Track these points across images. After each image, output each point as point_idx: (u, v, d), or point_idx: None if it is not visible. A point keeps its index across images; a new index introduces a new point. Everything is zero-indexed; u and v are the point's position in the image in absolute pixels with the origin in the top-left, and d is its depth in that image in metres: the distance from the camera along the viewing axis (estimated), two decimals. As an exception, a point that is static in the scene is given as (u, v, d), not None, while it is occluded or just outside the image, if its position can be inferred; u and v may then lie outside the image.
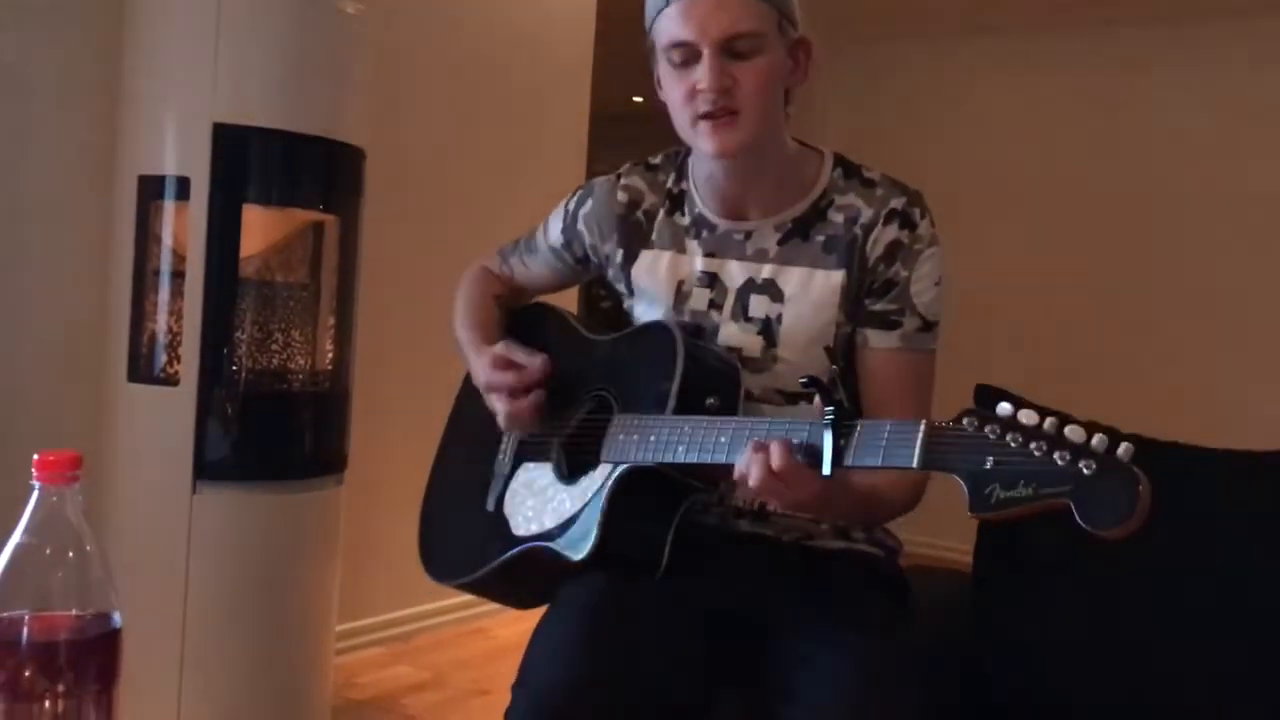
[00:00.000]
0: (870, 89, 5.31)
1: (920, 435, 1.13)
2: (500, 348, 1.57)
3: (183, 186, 2.35)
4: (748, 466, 1.23)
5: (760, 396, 1.48)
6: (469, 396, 1.70)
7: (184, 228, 2.37)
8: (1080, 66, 4.92)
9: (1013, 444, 1.05)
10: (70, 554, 0.88)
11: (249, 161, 2.40)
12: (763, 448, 1.23)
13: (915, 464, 1.12)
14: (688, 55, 1.40)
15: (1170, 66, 4.71)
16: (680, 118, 1.45)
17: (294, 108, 2.41)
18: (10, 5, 2.48)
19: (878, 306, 1.46)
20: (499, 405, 1.55)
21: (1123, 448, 1.00)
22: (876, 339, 1.47)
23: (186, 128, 2.35)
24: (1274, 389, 4.34)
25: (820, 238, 1.48)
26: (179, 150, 2.37)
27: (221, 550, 2.38)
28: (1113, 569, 1.73)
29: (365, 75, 2.57)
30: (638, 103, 7.23)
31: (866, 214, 1.46)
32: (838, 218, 1.47)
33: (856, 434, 1.19)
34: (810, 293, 1.47)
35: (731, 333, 1.50)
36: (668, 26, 1.41)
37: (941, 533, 1.77)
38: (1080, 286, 4.85)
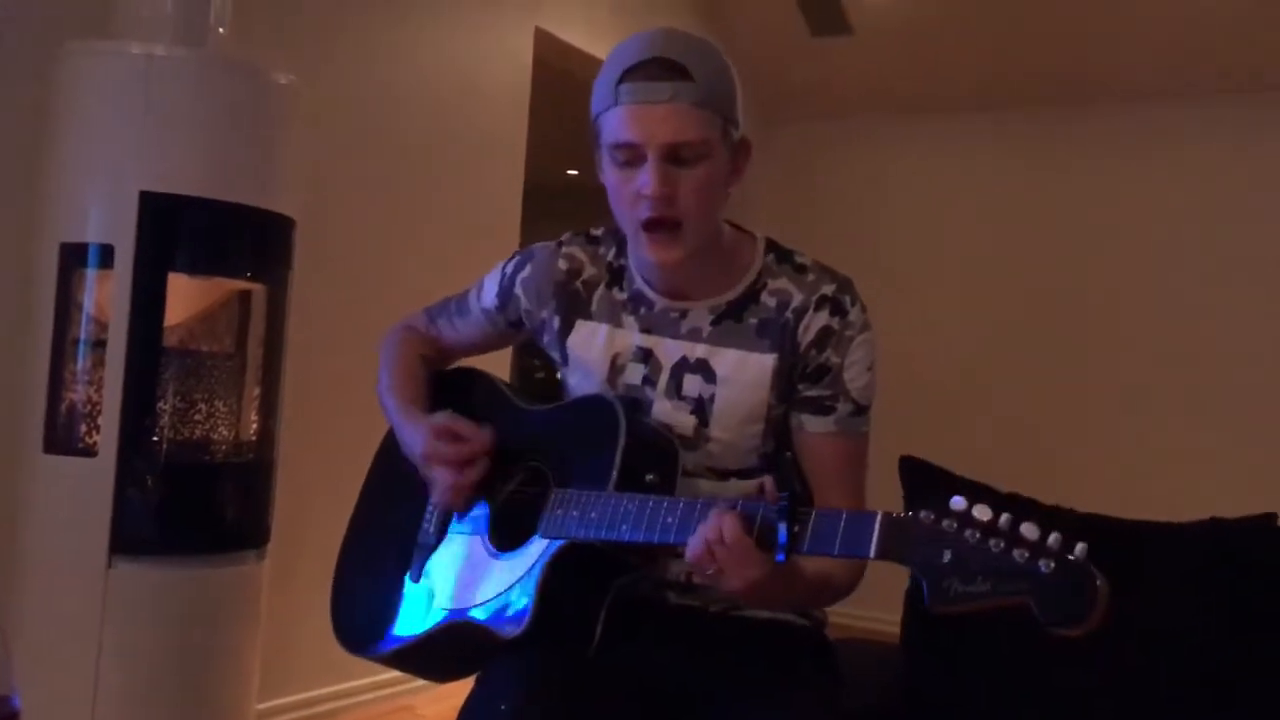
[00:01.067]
0: (798, 168, 5.41)
1: (878, 526, 1.14)
2: (443, 417, 1.54)
3: (106, 254, 2.32)
4: (700, 543, 1.23)
5: (693, 472, 1.48)
6: (388, 460, 1.67)
7: (107, 296, 2.33)
8: (1008, 145, 5.05)
9: (970, 539, 1.06)
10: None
11: (176, 230, 2.37)
12: (717, 524, 1.22)
13: (872, 554, 1.14)
14: (632, 156, 1.40)
15: (1094, 147, 4.86)
16: (622, 218, 1.45)
17: (223, 176, 2.39)
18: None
19: (812, 392, 1.48)
20: (440, 478, 1.52)
21: (1079, 547, 1.03)
22: (812, 423, 1.49)
23: (112, 195, 2.32)
24: (1196, 463, 4.44)
25: (753, 321, 1.49)
26: (103, 218, 2.34)
27: (137, 627, 2.31)
28: (1045, 641, 1.74)
29: (296, 144, 2.57)
30: (572, 176, 7.30)
31: (798, 299, 1.48)
32: (770, 302, 1.49)
33: (811, 522, 1.20)
34: (743, 375, 1.48)
35: (665, 409, 1.50)
36: (614, 125, 1.41)
37: (866, 604, 1.78)
38: (1006, 358, 4.94)
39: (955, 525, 1.07)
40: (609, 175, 1.45)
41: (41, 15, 2.58)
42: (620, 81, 1.40)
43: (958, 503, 1.08)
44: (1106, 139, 4.82)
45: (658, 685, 1.43)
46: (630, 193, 1.41)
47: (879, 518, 1.14)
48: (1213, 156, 4.61)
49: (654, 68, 1.38)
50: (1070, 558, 1.02)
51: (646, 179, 1.38)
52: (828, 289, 1.48)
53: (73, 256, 2.36)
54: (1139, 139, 4.75)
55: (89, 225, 2.35)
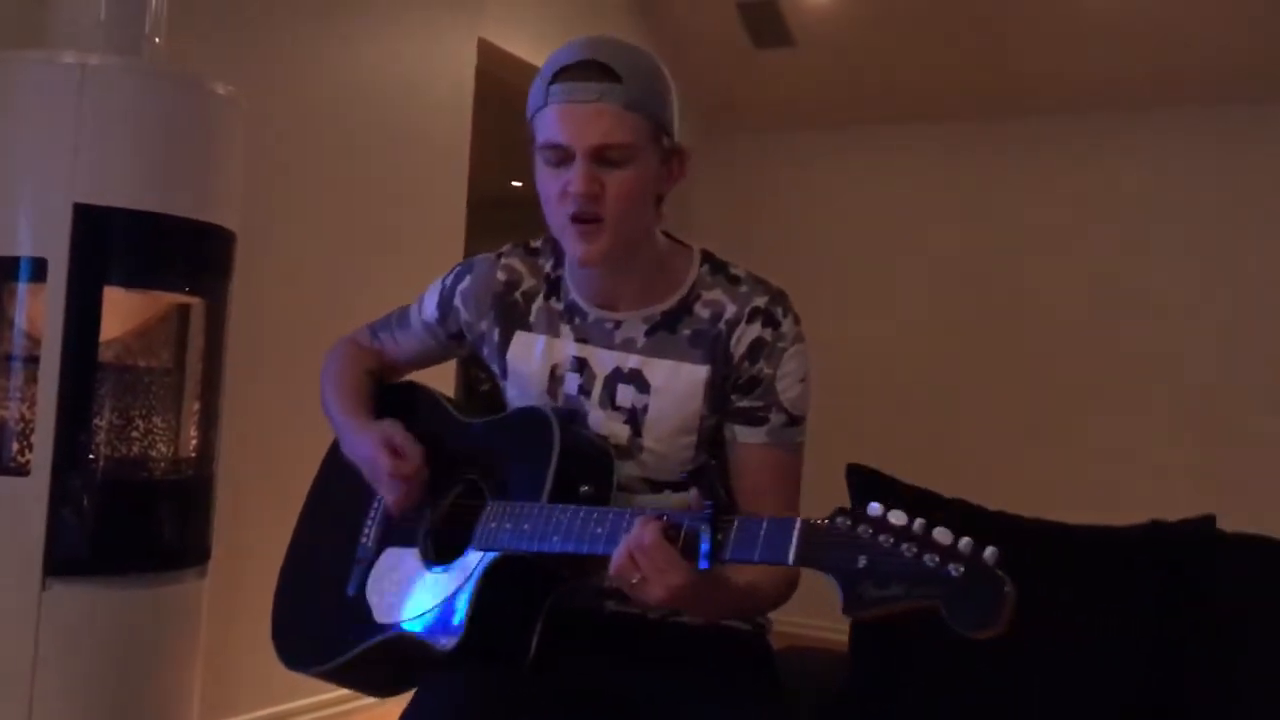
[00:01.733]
0: (741, 179, 5.44)
1: (796, 533, 1.14)
2: (388, 427, 1.54)
3: (39, 268, 2.27)
4: (623, 552, 1.23)
5: (627, 485, 1.48)
6: (330, 475, 1.66)
7: (40, 310, 2.28)
8: (950, 155, 5.12)
9: (885, 544, 1.07)
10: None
11: (111, 243, 2.33)
12: (639, 532, 1.23)
13: (791, 560, 1.14)
14: (561, 157, 1.41)
15: (1035, 154, 4.94)
16: (551, 216, 1.46)
17: (160, 188, 2.35)
18: None
19: (744, 403, 1.48)
20: (388, 481, 1.51)
21: (988, 551, 1.04)
22: (744, 434, 1.49)
23: (44, 208, 2.27)
24: (1131, 465, 4.52)
25: (686, 332, 1.50)
26: (36, 230, 2.29)
27: (73, 650, 2.25)
28: (988, 646, 1.76)
29: (236, 156, 2.54)
30: (516, 187, 7.28)
31: (731, 310, 1.49)
32: (704, 313, 1.50)
33: (734, 529, 1.20)
34: (676, 385, 1.48)
35: (599, 419, 1.51)
36: (545, 126, 1.42)
37: (816, 612, 1.78)
38: (951, 365, 4.99)
39: (870, 531, 1.09)
40: (540, 175, 1.46)
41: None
42: (551, 82, 1.41)
43: (874, 509, 1.10)
44: (1045, 146, 4.91)
45: (598, 695, 1.43)
46: (558, 190, 1.42)
47: (797, 525, 1.15)
48: (1153, 162, 4.71)
49: (584, 69, 1.40)
50: (979, 562, 1.03)
51: (574, 177, 1.40)
52: (760, 301, 1.49)
53: (4, 270, 2.31)
54: (1079, 146, 4.84)
55: (20, 238, 2.30)
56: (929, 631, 1.80)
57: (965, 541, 1.04)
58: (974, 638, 1.02)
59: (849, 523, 1.10)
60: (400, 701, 1.58)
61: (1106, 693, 1.68)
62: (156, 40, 2.48)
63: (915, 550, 1.05)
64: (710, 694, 1.40)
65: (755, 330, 1.48)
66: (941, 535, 1.05)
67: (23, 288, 2.31)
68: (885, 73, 4.90)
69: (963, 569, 1.02)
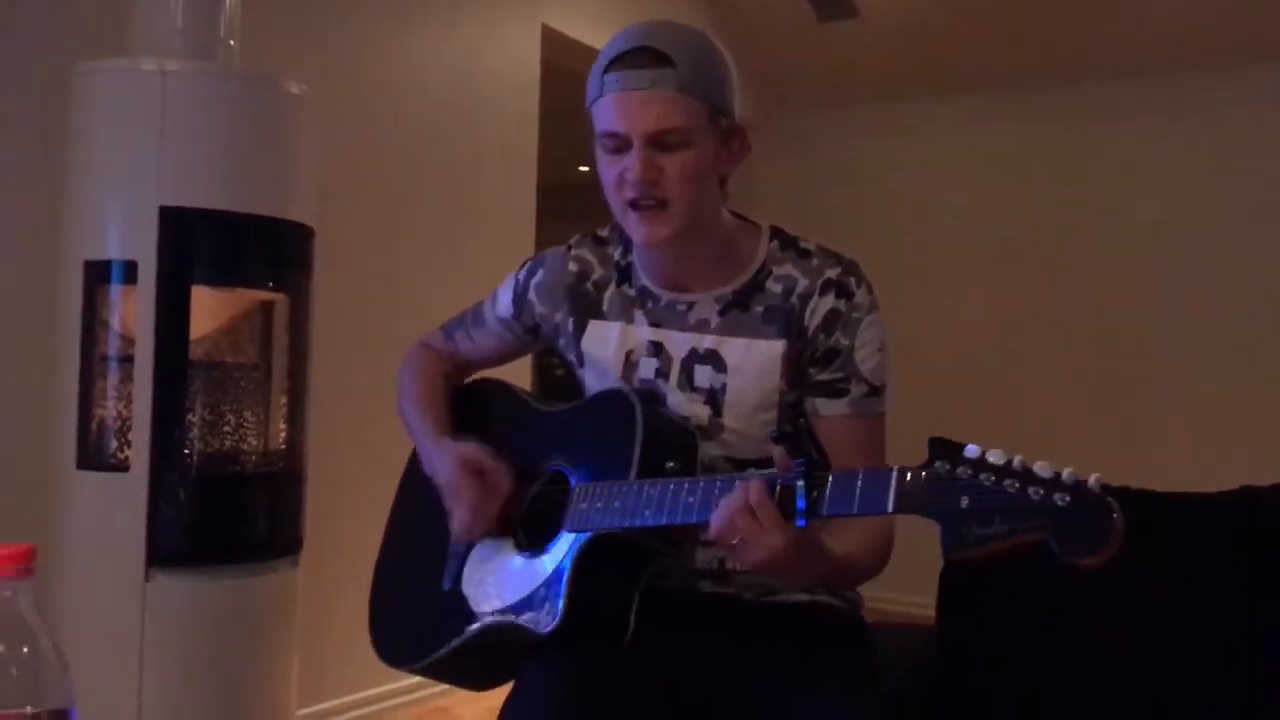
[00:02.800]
0: (806, 155, 5.40)
1: (894, 480, 1.14)
2: (469, 449, 1.55)
3: (129, 270, 2.34)
4: (723, 513, 1.24)
5: (710, 465, 1.49)
6: (419, 474, 1.68)
7: (131, 311, 2.35)
8: (1017, 125, 5.04)
9: (986, 483, 1.07)
10: (25, 650, 0.86)
11: (196, 243, 2.39)
12: (741, 491, 1.23)
13: (890, 508, 1.14)
14: (619, 144, 1.42)
15: (1102, 122, 4.84)
16: (612, 201, 1.47)
17: (240, 188, 2.41)
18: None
19: (823, 376, 1.48)
20: (460, 511, 1.53)
21: (1092, 479, 1.03)
22: (825, 407, 1.49)
23: (132, 212, 2.34)
24: (1208, 433, 4.43)
25: (759, 308, 1.50)
26: (125, 234, 2.36)
27: (176, 638, 2.33)
28: (1076, 617, 1.74)
29: (311, 154, 2.58)
30: (583, 172, 7.30)
31: (803, 284, 1.49)
32: (776, 288, 1.50)
33: (829, 483, 1.21)
34: (752, 363, 1.49)
35: (678, 402, 1.51)
36: (601, 115, 1.43)
37: (901, 588, 1.78)
38: (1026, 337, 4.92)
39: (970, 471, 1.08)
40: (600, 162, 1.47)
41: (55, 35, 2.60)
42: (606, 71, 1.42)
43: (971, 450, 1.09)
44: (1115, 112, 4.80)
45: (694, 675, 1.44)
46: (617, 176, 1.43)
47: (895, 472, 1.15)
48: (1228, 127, 4.58)
49: (637, 56, 1.40)
50: (1086, 490, 1.02)
51: (631, 164, 1.41)
52: (832, 272, 1.49)
53: (97, 273, 2.38)
54: (1150, 112, 4.73)
55: (111, 242, 2.38)
56: (1018, 601, 1.80)
57: (1068, 472, 1.04)
58: (1083, 566, 1.01)
59: (948, 466, 1.10)
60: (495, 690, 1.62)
61: (1200, 660, 1.66)
62: (231, 43, 2.53)
63: (1018, 485, 1.05)
64: (808, 672, 1.40)
65: (829, 302, 1.47)
66: (1042, 469, 1.05)
67: (115, 290, 2.38)
68: (950, 43, 4.83)
69: (1069, 498, 1.02)
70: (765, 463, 1.48)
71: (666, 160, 1.41)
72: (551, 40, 4.10)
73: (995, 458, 1.08)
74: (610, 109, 1.42)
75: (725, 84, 1.45)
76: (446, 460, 1.56)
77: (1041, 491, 1.04)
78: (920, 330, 4.82)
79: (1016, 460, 1.07)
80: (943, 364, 4.92)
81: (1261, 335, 4.44)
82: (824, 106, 5.38)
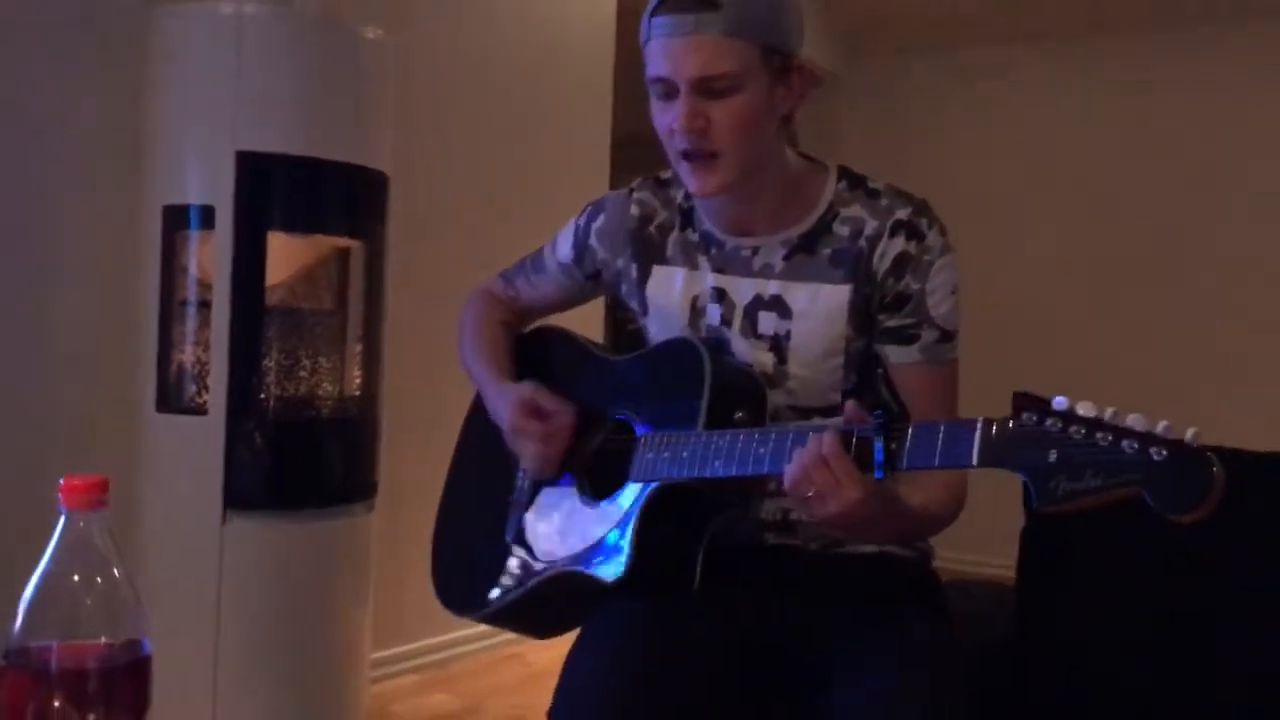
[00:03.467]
0: (886, 100, 5.29)
1: (979, 432, 1.10)
2: (529, 389, 1.53)
3: (207, 215, 2.35)
4: (798, 466, 1.21)
5: (774, 414, 1.45)
6: (478, 423, 1.67)
7: (209, 257, 2.37)
8: (1103, 74, 4.89)
9: (1076, 436, 1.03)
10: (98, 580, 0.86)
11: (272, 189, 2.40)
12: (816, 444, 1.20)
13: (975, 461, 1.10)
14: (668, 89, 1.38)
15: (1196, 72, 4.67)
16: (667, 149, 1.43)
17: (316, 134, 2.41)
18: (36, 42, 2.49)
19: (893, 322, 1.43)
20: (527, 451, 1.52)
21: (1190, 433, 0.99)
22: (896, 354, 1.45)
23: (209, 157, 2.35)
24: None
25: (826, 251, 1.45)
26: (202, 179, 2.37)
27: (253, 579, 2.37)
28: (1160, 576, 1.69)
29: (387, 100, 2.58)
30: (658, 124, 7.25)
31: (872, 225, 1.43)
32: (843, 230, 1.45)
33: (909, 435, 1.17)
34: (817, 308, 1.44)
35: (742, 349, 1.48)
36: (650, 59, 1.39)
37: (976, 548, 1.74)
38: (1110, 291, 4.81)
39: (1060, 424, 1.04)
40: (653, 108, 1.43)
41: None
42: (652, 14, 1.38)
43: (1060, 403, 1.05)
44: (1210, 58, 4.63)
45: (760, 625, 1.42)
46: (668, 125, 1.39)
47: (979, 424, 1.11)
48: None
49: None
50: (1183, 444, 0.98)
51: (678, 113, 1.36)
52: (902, 213, 1.42)
53: (175, 219, 2.40)
54: (1246, 62, 4.55)
55: (189, 187, 2.39)
56: (1102, 563, 1.75)
57: (1164, 425, 1.00)
58: (1183, 522, 0.98)
59: (1034, 418, 1.06)
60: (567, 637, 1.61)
61: (1264, 621, 1.60)
62: (308, -13, 2.52)
63: (1111, 439, 1.01)
64: (879, 634, 1.37)
65: (899, 244, 1.41)
66: (1136, 422, 1.01)
67: (194, 235, 2.40)
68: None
69: (1165, 452, 0.98)
70: (830, 411, 1.45)
71: (714, 108, 1.36)
72: (628, -12, 4.04)
73: (1086, 410, 1.04)
74: (657, 54, 1.37)
75: (782, 19, 1.39)
76: (507, 405, 1.55)
77: (1136, 445, 1.00)
78: (1003, 279, 4.71)
79: (1108, 413, 1.03)
80: (1015, 312, 4.81)
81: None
82: (908, 54, 5.26)
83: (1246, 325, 4.50)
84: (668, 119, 1.39)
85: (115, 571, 0.87)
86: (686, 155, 1.39)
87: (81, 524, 0.86)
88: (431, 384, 3.21)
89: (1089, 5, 4.67)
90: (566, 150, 3.86)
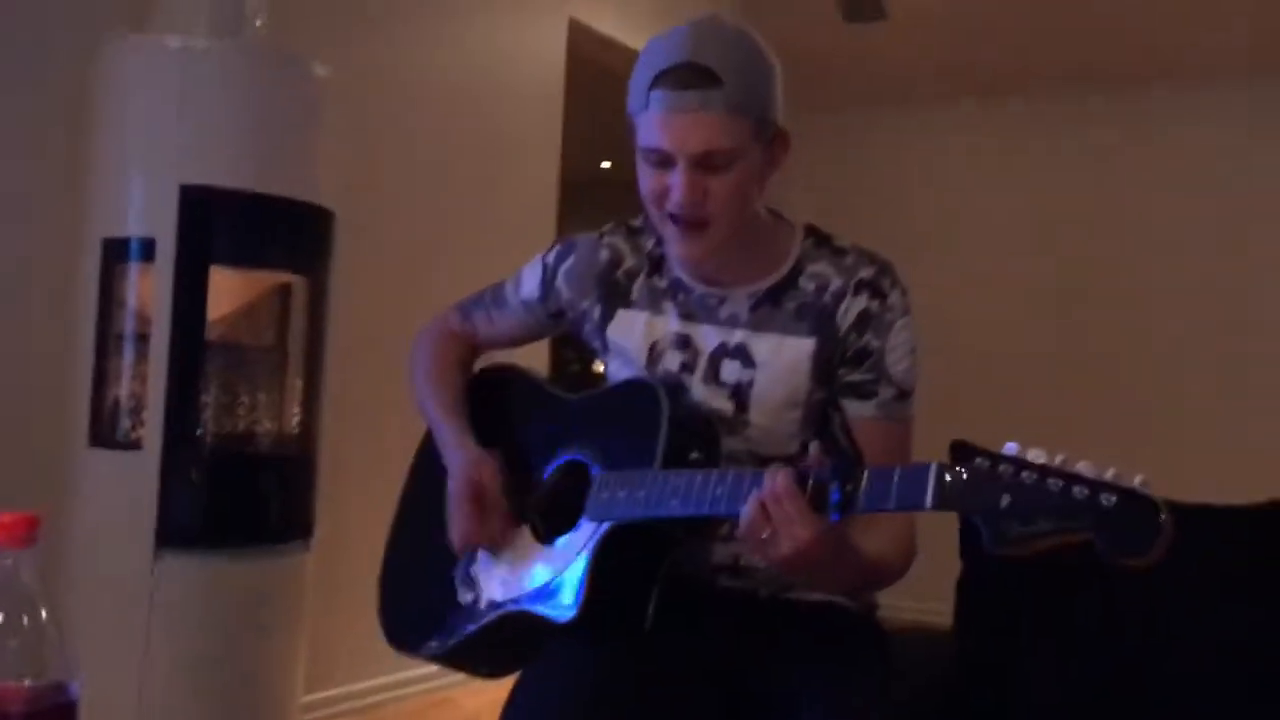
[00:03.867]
0: (834, 155, 5.37)
1: (933, 475, 1.12)
2: (486, 473, 1.52)
3: (148, 248, 2.32)
4: (754, 504, 1.21)
5: (732, 458, 1.46)
6: (429, 458, 1.66)
7: (149, 290, 2.34)
8: (1044, 128, 5.01)
9: (1027, 481, 1.05)
10: (25, 620, 0.84)
11: (215, 223, 2.37)
12: (770, 482, 1.21)
13: (929, 504, 1.12)
14: (662, 160, 1.40)
15: (1129, 127, 4.80)
16: (651, 209, 1.45)
17: (262, 169, 2.39)
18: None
19: (853, 377, 1.46)
20: (458, 527, 1.52)
21: (1138, 479, 1.02)
22: (854, 409, 1.47)
23: (153, 189, 2.33)
24: (1224, 442, 4.38)
25: (791, 305, 1.48)
26: (145, 212, 2.34)
27: (184, 618, 2.32)
28: (1095, 624, 1.71)
29: (335, 137, 2.57)
30: (605, 169, 7.29)
31: (837, 283, 1.47)
32: (809, 285, 1.48)
33: (865, 478, 1.18)
34: (781, 359, 1.47)
35: (703, 396, 1.49)
36: (646, 128, 1.40)
37: (912, 594, 1.76)
38: (1049, 342, 4.89)
39: (1012, 469, 1.06)
40: (641, 171, 1.44)
41: (79, 10, 2.59)
42: (651, 87, 1.39)
43: (1011, 448, 1.08)
44: (1142, 118, 4.77)
45: (709, 669, 1.42)
46: (659, 189, 1.41)
47: (933, 468, 1.12)
48: (1252, 132, 4.54)
49: (684, 74, 1.36)
50: (1133, 491, 1.01)
51: (676, 182, 1.38)
52: (866, 273, 1.47)
53: (115, 251, 2.37)
54: (1178, 117, 4.69)
55: (130, 219, 2.36)
56: (1037, 609, 1.77)
57: (1112, 472, 1.03)
58: (1132, 567, 1.00)
59: (987, 463, 1.08)
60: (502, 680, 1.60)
61: (1226, 677, 1.63)
62: (257, 22, 2.52)
63: (1061, 485, 1.03)
64: (822, 672, 1.38)
65: (862, 302, 1.45)
66: (1086, 468, 1.04)
67: (134, 268, 2.37)
68: (979, 45, 4.79)
69: (1114, 498, 1.01)
70: (787, 460, 1.46)
71: (711, 180, 1.38)
72: (578, 34, 4.08)
73: (1036, 456, 1.06)
74: (655, 127, 1.38)
75: (771, 90, 1.43)
76: (459, 465, 1.54)
77: (1086, 491, 1.02)
78: (941, 331, 4.77)
79: (1059, 458, 1.06)
80: (962, 364, 4.88)
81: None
82: (851, 107, 5.35)
83: (1188, 378, 4.60)
84: (659, 184, 1.40)
85: (42, 612, 0.85)
86: (676, 219, 1.41)
87: (9, 562, 0.84)
88: (371, 423, 3.19)
89: (1023, 64, 4.79)
90: (514, 191, 3.87)
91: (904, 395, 1.47)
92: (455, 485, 1.52)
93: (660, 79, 1.38)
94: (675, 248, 1.44)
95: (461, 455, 1.55)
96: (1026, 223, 4.99)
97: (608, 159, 7.13)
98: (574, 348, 1.69)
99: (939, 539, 1.63)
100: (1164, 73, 4.64)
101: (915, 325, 1.49)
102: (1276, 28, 4.23)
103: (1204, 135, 4.64)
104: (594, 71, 4.16)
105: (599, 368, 1.66)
